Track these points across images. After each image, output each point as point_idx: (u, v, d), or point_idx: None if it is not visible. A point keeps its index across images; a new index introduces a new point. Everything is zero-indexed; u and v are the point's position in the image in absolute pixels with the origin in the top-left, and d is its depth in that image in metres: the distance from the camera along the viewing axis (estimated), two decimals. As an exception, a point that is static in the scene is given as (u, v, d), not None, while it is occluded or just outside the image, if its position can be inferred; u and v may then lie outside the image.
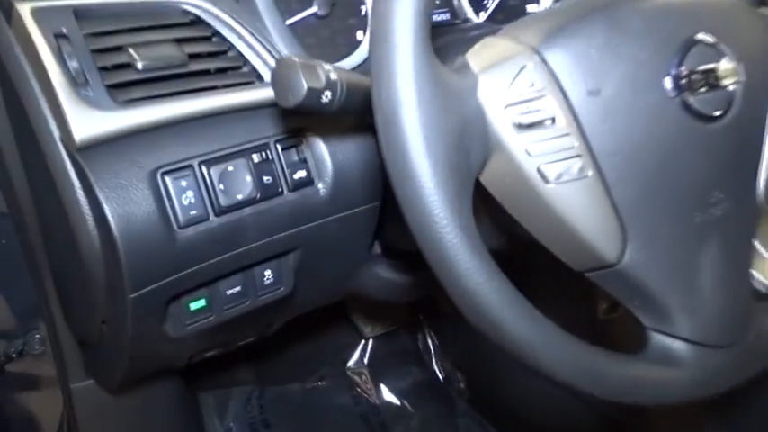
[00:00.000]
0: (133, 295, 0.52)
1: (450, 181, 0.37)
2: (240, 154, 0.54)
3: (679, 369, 0.45)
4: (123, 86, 0.51)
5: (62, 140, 0.50)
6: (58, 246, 0.61)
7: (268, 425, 1.17)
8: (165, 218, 0.51)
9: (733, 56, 0.45)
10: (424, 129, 0.36)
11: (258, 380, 1.22)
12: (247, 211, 0.55)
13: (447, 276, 0.38)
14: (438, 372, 1.33)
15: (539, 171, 0.42)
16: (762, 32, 0.48)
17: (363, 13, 0.68)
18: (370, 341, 1.31)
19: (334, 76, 0.45)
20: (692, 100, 0.44)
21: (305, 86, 0.43)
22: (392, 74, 0.36)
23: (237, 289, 0.60)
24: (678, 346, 0.45)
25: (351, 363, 1.30)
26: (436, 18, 0.75)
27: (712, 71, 0.45)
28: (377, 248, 0.75)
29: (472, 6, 0.75)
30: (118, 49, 0.52)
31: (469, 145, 0.40)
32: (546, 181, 0.42)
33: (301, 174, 0.57)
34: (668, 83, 0.44)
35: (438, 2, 0.75)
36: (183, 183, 0.51)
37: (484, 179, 0.44)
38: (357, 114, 0.47)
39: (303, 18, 0.66)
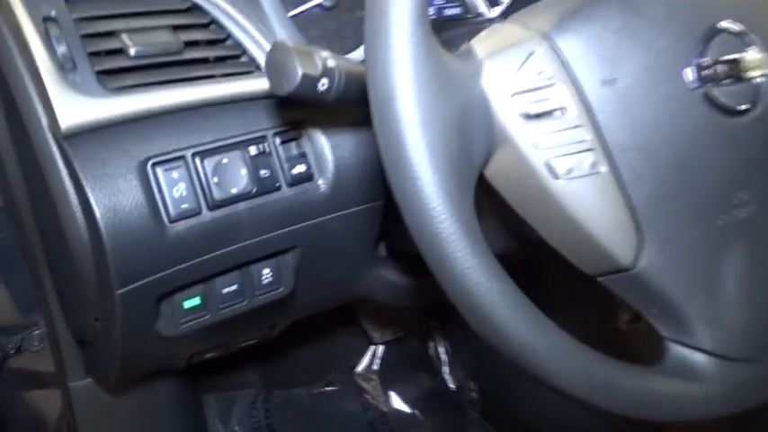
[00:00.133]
0: (121, 291, 0.49)
1: (449, 172, 0.34)
2: (236, 146, 0.52)
3: (699, 383, 0.41)
4: (114, 73, 0.49)
5: (49, 128, 0.48)
6: (52, 239, 0.59)
7: (273, 430, 1.15)
8: (155, 211, 0.48)
9: (761, 46, 0.42)
10: (420, 112, 0.33)
11: (264, 383, 1.20)
12: (242, 205, 0.52)
13: (445, 276, 0.35)
14: (449, 380, 1.29)
15: (547, 165, 0.39)
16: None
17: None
18: (380, 347, 1.28)
19: (331, 64, 0.42)
20: (715, 92, 0.41)
21: (299, 73, 0.41)
22: (387, 53, 0.34)
23: (234, 288, 0.58)
24: (698, 358, 0.41)
25: (360, 368, 1.28)
26: (447, 12, 0.72)
27: (738, 62, 0.41)
28: (382, 250, 0.72)
29: (485, 0, 0.73)
30: (110, 34, 0.50)
31: (472, 135, 0.37)
32: (555, 176, 0.39)
33: (300, 168, 0.55)
34: (690, 73, 0.40)
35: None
36: (175, 174, 0.49)
37: (489, 174, 0.41)
38: (357, 105, 0.44)
39: (308, 9, 0.63)
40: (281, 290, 0.61)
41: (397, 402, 1.24)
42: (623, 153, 0.39)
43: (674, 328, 0.42)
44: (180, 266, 0.51)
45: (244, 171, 0.52)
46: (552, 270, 0.55)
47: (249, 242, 0.55)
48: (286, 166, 0.54)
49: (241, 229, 0.53)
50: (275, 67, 0.42)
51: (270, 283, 0.60)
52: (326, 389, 1.23)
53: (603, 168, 0.39)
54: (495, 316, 0.36)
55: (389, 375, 1.27)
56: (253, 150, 0.53)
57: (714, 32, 0.41)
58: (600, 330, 0.81)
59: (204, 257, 0.52)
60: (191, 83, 0.52)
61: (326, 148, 0.56)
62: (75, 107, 0.46)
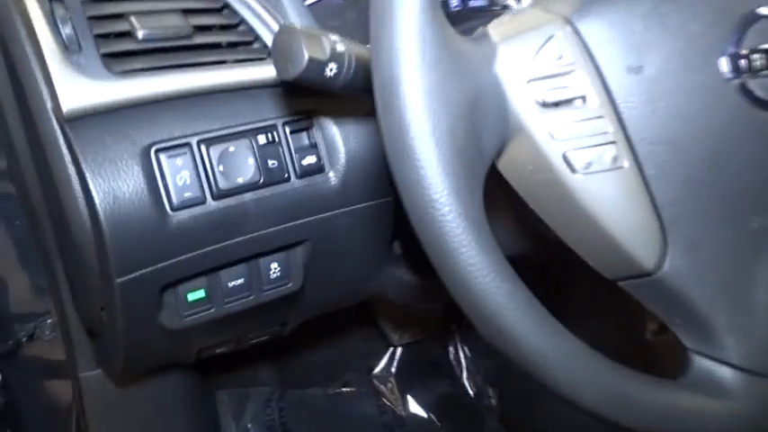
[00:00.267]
0: (120, 280, 0.48)
1: (455, 161, 0.32)
2: (243, 134, 0.50)
3: (724, 399, 0.38)
4: (122, 56, 0.48)
5: (54, 111, 0.47)
6: (59, 227, 0.58)
7: (287, 429, 1.13)
8: (157, 198, 0.47)
9: (805, 36, 0.39)
10: (426, 96, 0.31)
11: (279, 381, 1.18)
12: (249, 196, 0.51)
13: (448, 273, 0.33)
14: (468, 386, 1.27)
15: (564, 158, 0.36)
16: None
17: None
18: (399, 349, 1.26)
19: (340, 48, 0.40)
20: (752, 84, 0.37)
21: (306, 56, 0.39)
22: (393, 32, 0.31)
23: (240, 281, 0.56)
24: (724, 372, 0.38)
25: (377, 370, 1.25)
26: (472, 4, 0.69)
27: (778, 52, 0.38)
28: (397, 249, 0.70)
29: (512, -9, 0.70)
30: (118, 16, 0.49)
31: (483, 123, 0.35)
32: (572, 170, 0.36)
33: (311, 159, 0.53)
34: (724, 63, 0.37)
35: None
36: (179, 162, 0.48)
37: (502, 166, 0.38)
38: (368, 94, 0.42)
39: (327, -2, 0.62)
40: (289, 285, 0.59)
41: (414, 406, 1.22)
42: (648, 147, 0.36)
43: (698, 338, 0.39)
44: (183, 257, 0.50)
45: (251, 160, 0.50)
46: (577, 273, 0.52)
47: (256, 234, 0.53)
48: (296, 156, 0.52)
49: (247, 220, 0.51)
50: (281, 50, 0.41)
51: (278, 278, 0.58)
52: (343, 389, 1.21)
53: (626, 163, 0.36)
54: (501, 318, 0.33)
55: (407, 378, 1.24)
56: (261, 139, 0.51)
57: (753, 19, 0.38)
58: (626, 340, 0.77)
59: (208, 249, 0.51)
60: (199, 68, 0.50)
61: (338, 140, 0.54)
62: (78, 89, 0.45)
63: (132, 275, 0.48)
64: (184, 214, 0.48)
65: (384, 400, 1.22)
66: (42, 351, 0.83)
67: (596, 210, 0.37)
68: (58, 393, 0.86)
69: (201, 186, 0.49)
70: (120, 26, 0.49)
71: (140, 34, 0.49)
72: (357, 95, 0.52)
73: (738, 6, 0.38)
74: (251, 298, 0.57)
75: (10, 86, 0.56)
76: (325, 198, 0.54)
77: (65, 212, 0.49)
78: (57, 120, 0.47)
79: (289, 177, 0.52)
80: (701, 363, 0.39)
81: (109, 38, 0.48)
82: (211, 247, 0.51)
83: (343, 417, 1.19)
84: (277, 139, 0.51)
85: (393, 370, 1.25)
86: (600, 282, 0.40)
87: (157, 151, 0.47)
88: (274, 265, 0.57)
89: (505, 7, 0.70)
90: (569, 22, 0.36)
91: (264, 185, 0.51)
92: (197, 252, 0.50)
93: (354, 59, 0.41)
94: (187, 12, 0.52)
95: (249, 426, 1.11)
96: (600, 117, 0.36)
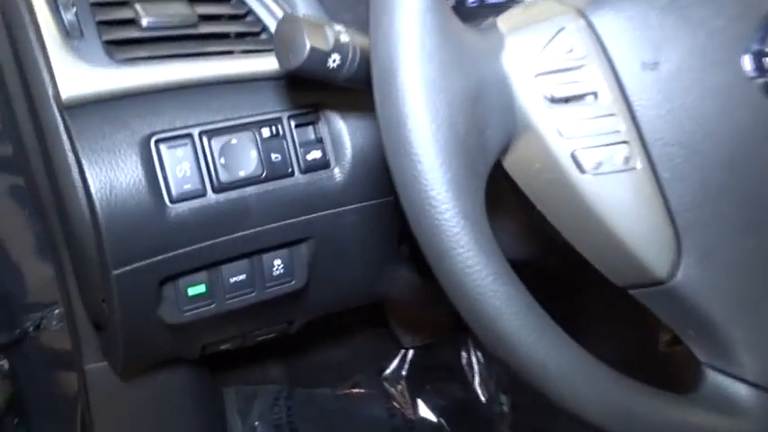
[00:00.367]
0: (117, 271, 0.47)
1: (454, 156, 0.30)
2: (247, 126, 0.49)
3: (736, 418, 0.36)
4: (124, 44, 0.47)
5: (55, 98, 0.46)
6: (62, 217, 0.58)
7: (295, 428, 1.12)
8: (156, 189, 0.46)
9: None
10: (425, 86, 0.29)
11: (288, 380, 1.17)
12: (250, 190, 0.49)
13: (444, 274, 0.31)
14: (480, 392, 1.24)
15: (573, 157, 0.34)
16: None
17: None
18: (410, 352, 1.25)
19: (344, 39, 0.39)
20: (777, 84, 0.35)
21: (307, 46, 0.38)
22: (392, 18, 0.30)
23: (242, 277, 0.55)
24: (738, 389, 0.36)
25: (388, 372, 1.24)
26: (489, 0, 0.67)
27: (806, 51, 0.36)
28: (405, 250, 0.68)
29: (532, -13, 0.68)
30: (123, 3, 0.48)
31: (486, 117, 0.33)
32: (581, 170, 0.34)
33: (316, 154, 0.52)
34: (747, 61, 0.35)
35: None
36: (180, 153, 0.47)
37: (508, 165, 0.37)
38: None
39: (339, -9, 0.60)
40: (293, 283, 0.58)
41: (424, 410, 1.20)
42: (663, 148, 0.34)
43: (713, 352, 0.37)
44: (182, 250, 0.49)
45: (254, 153, 0.49)
46: (591, 280, 0.50)
47: (257, 230, 0.52)
48: (300, 151, 0.51)
49: (248, 215, 0.50)
50: (283, 40, 0.39)
51: (281, 275, 0.57)
52: (352, 390, 1.20)
53: (639, 164, 0.34)
54: (499, 324, 0.31)
55: (418, 382, 1.23)
56: (265, 132, 0.50)
57: (780, 15, 0.35)
58: (639, 349, 0.75)
59: (208, 243, 0.50)
60: (204, 58, 0.49)
61: (345, 135, 0.53)
62: (78, 76, 0.44)
63: (129, 267, 0.47)
64: (184, 207, 0.47)
65: (394, 402, 1.21)
66: (49, 341, 0.83)
67: (606, 213, 0.35)
68: (65, 384, 0.86)
69: (202, 179, 0.47)
70: (124, 13, 0.48)
71: (144, 22, 0.48)
72: (362, 89, 0.51)
73: (765, 1, 0.35)
74: (253, 295, 0.56)
75: (17, 74, 0.55)
76: (330, 195, 0.53)
77: (64, 202, 0.48)
78: (57, 107, 0.46)
79: (292, 172, 0.51)
80: (715, 378, 0.37)
81: (112, 25, 0.47)
82: (211, 242, 0.50)
83: (352, 418, 1.17)
84: (281, 132, 0.50)
85: (404, 372, 1.24)
86: (613, 288, 0.38)
87: (158, 141, 0.46)
88: (277, 262, 0.56)
89: (523, 2, 0.68)
90: (583, 14, 0.35)
91: (267, 180, 0.50)
92: (196, 246, 0.49)
93: (359, 51, 0.40)
94: (193, 0, 0.51)
95: (256, 424, 1.10)
96: (612, 115, 0.34)
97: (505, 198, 0.45)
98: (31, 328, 0.79)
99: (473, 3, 0.68)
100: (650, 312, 0.39)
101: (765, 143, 0.35)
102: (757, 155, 0.35)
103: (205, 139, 0.47)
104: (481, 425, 1.20)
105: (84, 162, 0.43)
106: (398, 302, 0.75)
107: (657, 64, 0.34)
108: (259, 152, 0.49)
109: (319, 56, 0.38)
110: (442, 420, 1.19)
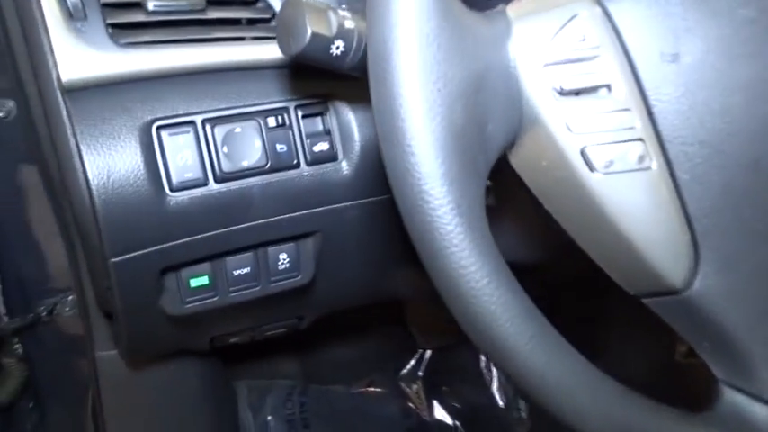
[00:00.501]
0: (115, 260, 0.46)
1: (452, 148, 0.28)
2: (251, 115, 0.48)
3: (754, 441, 0.33)
4: (129, 27, 0.46)
5: (57, 80, 0.45)
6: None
7: (307, 425, 1.11)
8: (155, 177, 0.45)
9: None
10: (421, 72, 0.27)
11: (303, 375, 1.16)
12: (254, 181, 0.48)
13: (436, 274, 0.30)
14: (498, 396, 1.22)
15: (583, 154, 0.32)
16: None
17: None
18: (428, 352, 1.23)
19: (349, 25, 0.37)
20: (811, 80, 0.32)
21: (309, 31, 0.36)
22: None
23: (246, 270, 0.54)
24: (757, 410, 0.33)
25: (404, 372, 1.22)
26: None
27: None
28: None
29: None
30: (130, -14, 0.47)
31: (489, 109, 0.31)
32: (591, 168, 0.32)
33: (323, 146, 0.50)
34: (779, 55, 0.32)
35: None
36: (181, 140, 0.45)
37: (515, 161, 0.34)
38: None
39: (356, -22, 0.58)
40: (298, 278, 0.56)
41: (440, 412, 1.18)
42: (681, 147, 0.32)
43: (730, 368, 0.34)
44: (182, 240, 0.48)
45: (258, 143, 0.48)
46: (605, 285, 0.47)
47: (261, 222, 0.50)
48: (307, 142, 0.50)
49: (251, 206, 0.49)
50: (285, 24, 0.38)
51: (286, 269, 0.55)
52: (367, 389, 1.19)
53: (654, 164, 0.32)
54: (494, 329, 0.29)
55: (435, 383, 1.21)
56: (271, 122, 0.48)
57: (815, 6, 0.32)
58: (655, 360, 0.72)
59: (209, 233, 0.49)
60: (210, 44, 0.48)
61: (354, 127, 0.51)
62: (79, 59, 0.44)
63: (127, 256, 0.46)
64: (184, 196, 0.46)
65: (409, 403, 1.19)
66: (64, 327, 0.83)
67: (617, 215, 0.32)
68: (78, 369, 0.86)
69: (204, 167, 0.46)
70: (131, -4, 0.47)
71: (151, 5, 0.47)
72: (366, 78, 0.49)
73: (800, -10, 0.33)
74: (257, 288, 0.55)
75: (28, 56, 0.55)
76: (337, 188, 0.51)
77: (67, 187, 0.48)
78: (59, 90, 0.45)
79: (298, 164, 0.49)
80: (733, 396, 0.35)
81: (117, 7, 0.46)
82: (213, 232, 0.49)
83: (366, 417, 1.16)
84: (288, 122, 0.49)
85: (421, 373, 1.22)
86: (629, 294, 0.36)
87: (159, 128, 0.45)
88: (283, 256, 0.55)
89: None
90: (598, 1, 0.32)
91: (271, 171, 0.48)
92: (197, 236, 0.48)
93: (365, 39, 0.38)
94: (202, -15, 0.49)
95: (269, 418, 1.10)
96: (626, 110, 0.31)
97: (519, 196, 0.43)
98: (44, 313, 0.79)
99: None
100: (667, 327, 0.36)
101: (795, 145, 0.32)
102: (785, 157, 0.32)
103: (208, 127, 0.46)
104: (499, 430, 1.17)
105: (82, 147, 0.43)
106: (417, 303, 0.73)
107: (678, 56, 0.31)
108: (263, 142, 0.48)
109: (322, 42, 0.37)
110: (457, 423, 1.17)
